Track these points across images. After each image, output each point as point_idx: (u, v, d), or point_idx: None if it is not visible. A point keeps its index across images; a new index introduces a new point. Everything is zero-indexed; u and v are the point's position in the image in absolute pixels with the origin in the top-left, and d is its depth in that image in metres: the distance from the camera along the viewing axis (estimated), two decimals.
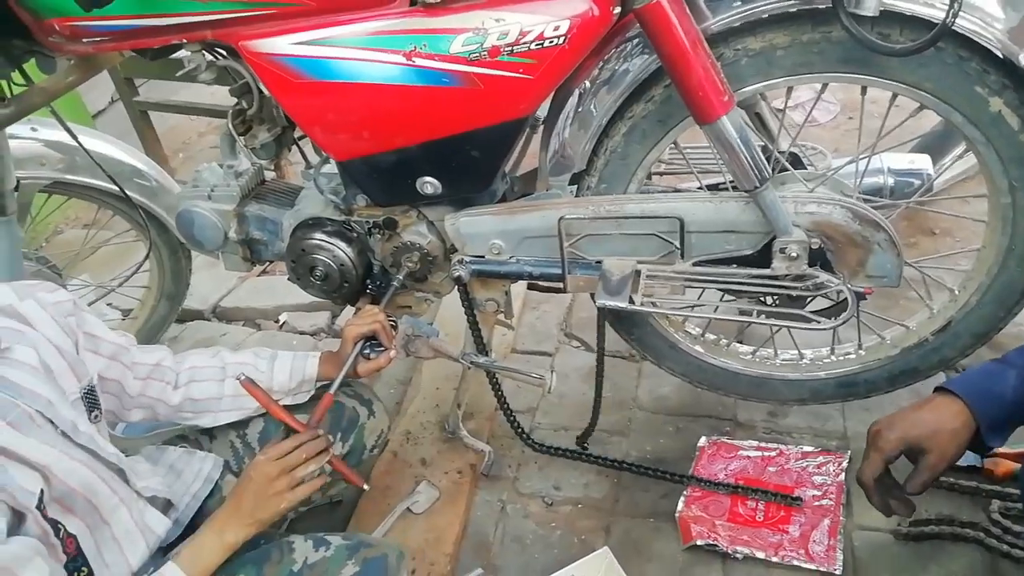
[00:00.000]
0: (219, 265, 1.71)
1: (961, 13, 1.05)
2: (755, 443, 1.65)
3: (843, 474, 1.54)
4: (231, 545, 1.06)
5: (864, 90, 1.27)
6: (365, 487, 1.23)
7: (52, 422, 0.96)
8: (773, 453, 1.62)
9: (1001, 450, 1.49)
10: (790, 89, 1.30)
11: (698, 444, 1.67)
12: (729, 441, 1.67)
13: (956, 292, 1.47)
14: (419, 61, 1.20)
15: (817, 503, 1.50)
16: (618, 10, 1.18)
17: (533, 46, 1.17)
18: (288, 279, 1.60)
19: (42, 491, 0.90)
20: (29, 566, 0.84)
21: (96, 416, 1.07)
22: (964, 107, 1.20)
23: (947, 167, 1.90)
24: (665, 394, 1.83)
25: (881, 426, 1.18)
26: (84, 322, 1.16)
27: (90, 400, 1.07)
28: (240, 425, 1.34)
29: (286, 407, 1.19)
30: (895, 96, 1.25)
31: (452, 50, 1.19)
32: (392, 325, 1.42)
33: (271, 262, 1.76)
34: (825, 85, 1.31)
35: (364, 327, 1.34)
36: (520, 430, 1.70)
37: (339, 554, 1.11)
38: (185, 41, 1.29)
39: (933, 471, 1.13)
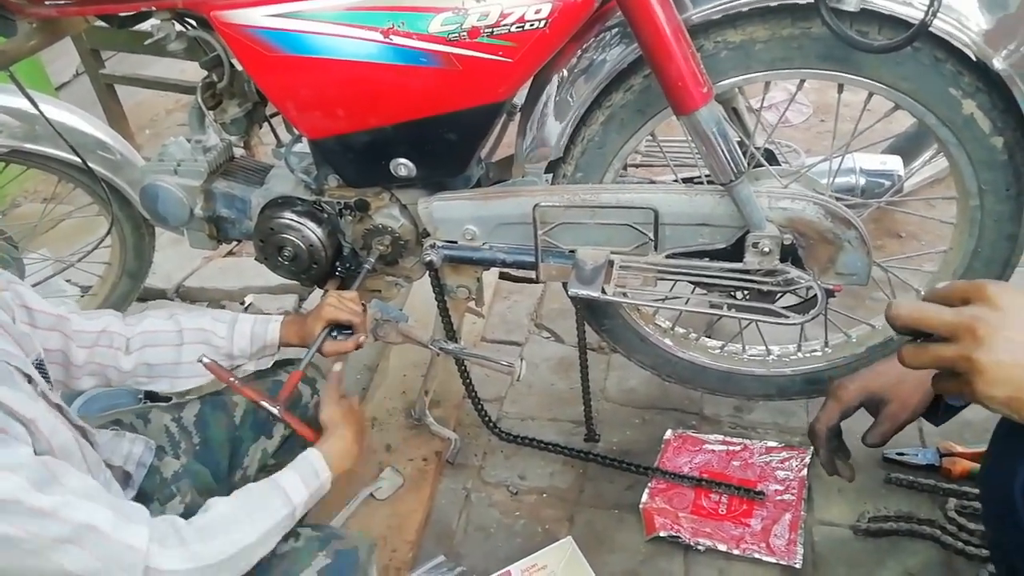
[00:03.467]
0: (184, 243, 1.67)
1: (939, 14, 1.06)
2: (720, 437, 1.66)
3: (805, 469, 1.56)
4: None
5: (841, 88, 1.28)
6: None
7: (30, 380, 0.94)
8: (738, 448, 1.63)
9: (958, 450, 1.52)
10: (767, 85, 1.31)
11: (664, 437, 1.68)
12: (695, 435, 1.68)
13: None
14: (397, 39, 1.18)
15: (779, 497, 1.51)
16: None
17: (513, 29, 1.16)
18: (255, 259, 1.57)
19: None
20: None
21: (51, 387, 1.04)
22: (938, 108, 1.21)
23: (916, 170, 1.92)
24: (633, 387, 1.84)
25: (843, 379, 1.17)
26: (18, 295, 1.12)
27: (41, 373, 1.03)
28: (175, 408, 1.30)
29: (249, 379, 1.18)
30: (870, 96, 1.26)
31: (431, 29, 1.17)
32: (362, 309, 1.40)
33: (238, 241, 1.72)
34: (801, 83, 1.32)
35: (342, 316, 1.30)
36: (487, 419, 1.69)
37: (310, 545, 1.08)
38: (154, 9, 1.26)
39: (894, 421, 1.10)
